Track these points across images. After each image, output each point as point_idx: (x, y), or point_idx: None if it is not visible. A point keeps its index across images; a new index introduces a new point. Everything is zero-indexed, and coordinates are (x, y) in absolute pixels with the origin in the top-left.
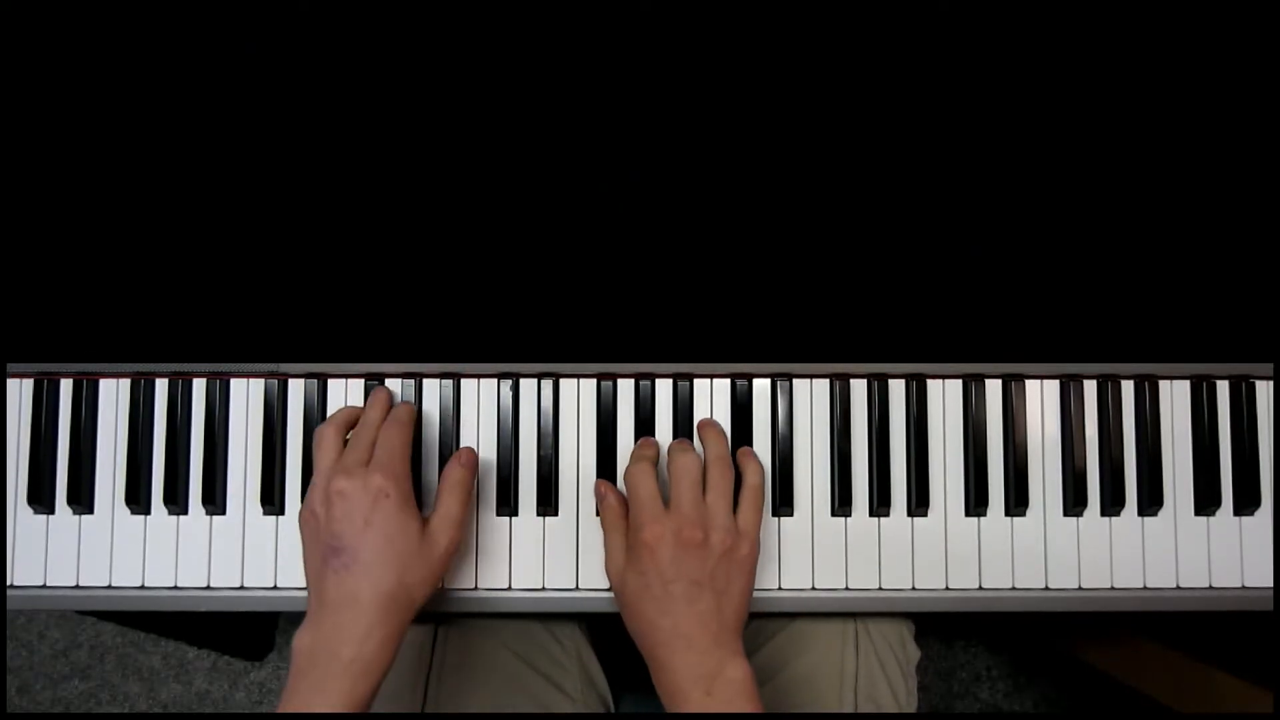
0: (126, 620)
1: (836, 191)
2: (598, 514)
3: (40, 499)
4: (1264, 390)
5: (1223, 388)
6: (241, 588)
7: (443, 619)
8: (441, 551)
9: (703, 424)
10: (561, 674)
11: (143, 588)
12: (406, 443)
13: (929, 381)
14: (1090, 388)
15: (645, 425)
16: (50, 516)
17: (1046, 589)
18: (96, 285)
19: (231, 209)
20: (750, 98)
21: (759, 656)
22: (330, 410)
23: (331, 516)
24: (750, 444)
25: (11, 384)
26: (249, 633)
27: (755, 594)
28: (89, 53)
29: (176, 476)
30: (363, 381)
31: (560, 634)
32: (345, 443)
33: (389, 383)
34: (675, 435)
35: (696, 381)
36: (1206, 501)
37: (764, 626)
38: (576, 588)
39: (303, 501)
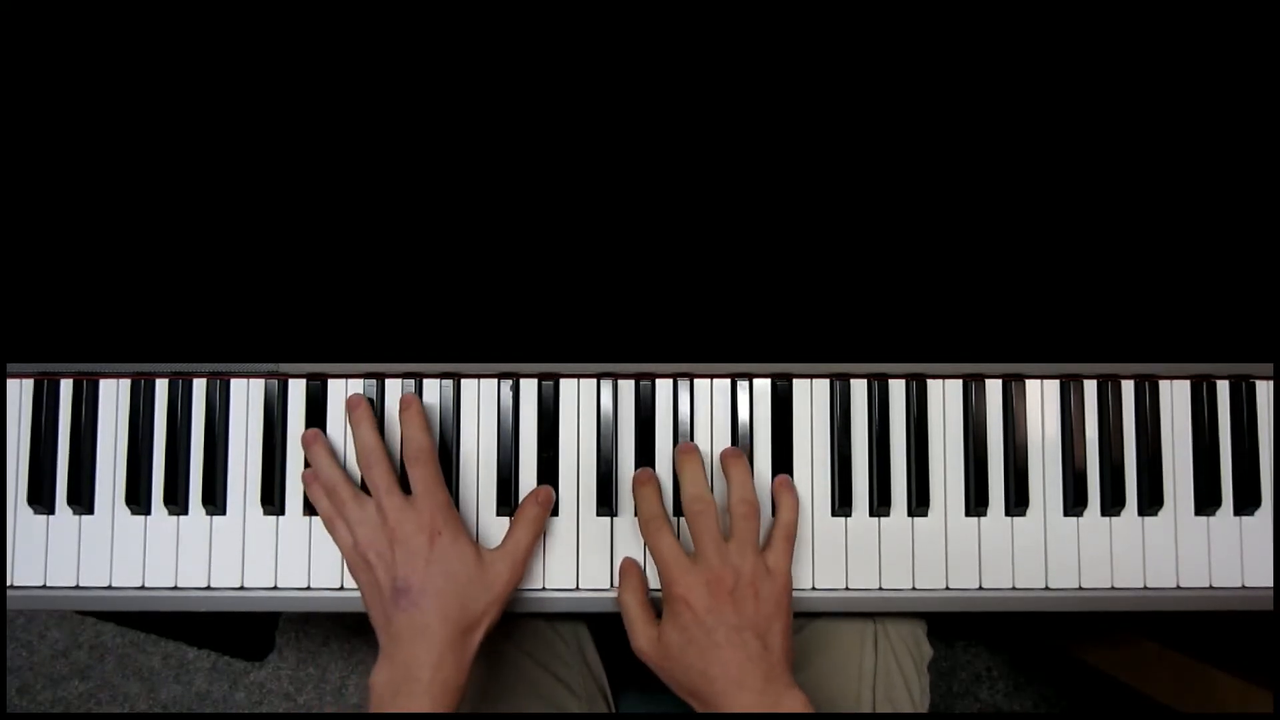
0: (126, 620)
1: (836, 192)
2: (615, 591)
3: (40, 499)
4: (1264, 390)
5: (1223, 388)
6: (241, 588)
7: None
8: (503, 582)
9: (727, 457)
10: (566, 670)
11: (143, 588)
12: (437, 471)
13: (929, 381)
14: (1090, 388)
15: (645, 425)
16: (50, 516)
17: (1046, 589)
18: (96, 285)
19: (232, 209)
20: (751, 98)
21: None
22: (330, 410)
23: (395, 561)
24: (751, 444)
25: (11, 384)
26: (249, 633)
27: None
28: (89, 52)
29: (176, 476)
30: (362, 382)
31: (563, 630)
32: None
33: (389, 383)
34: (675, 437)
35: (696, 381)
36: (1206, 501)
37: None
38: (577, 588)
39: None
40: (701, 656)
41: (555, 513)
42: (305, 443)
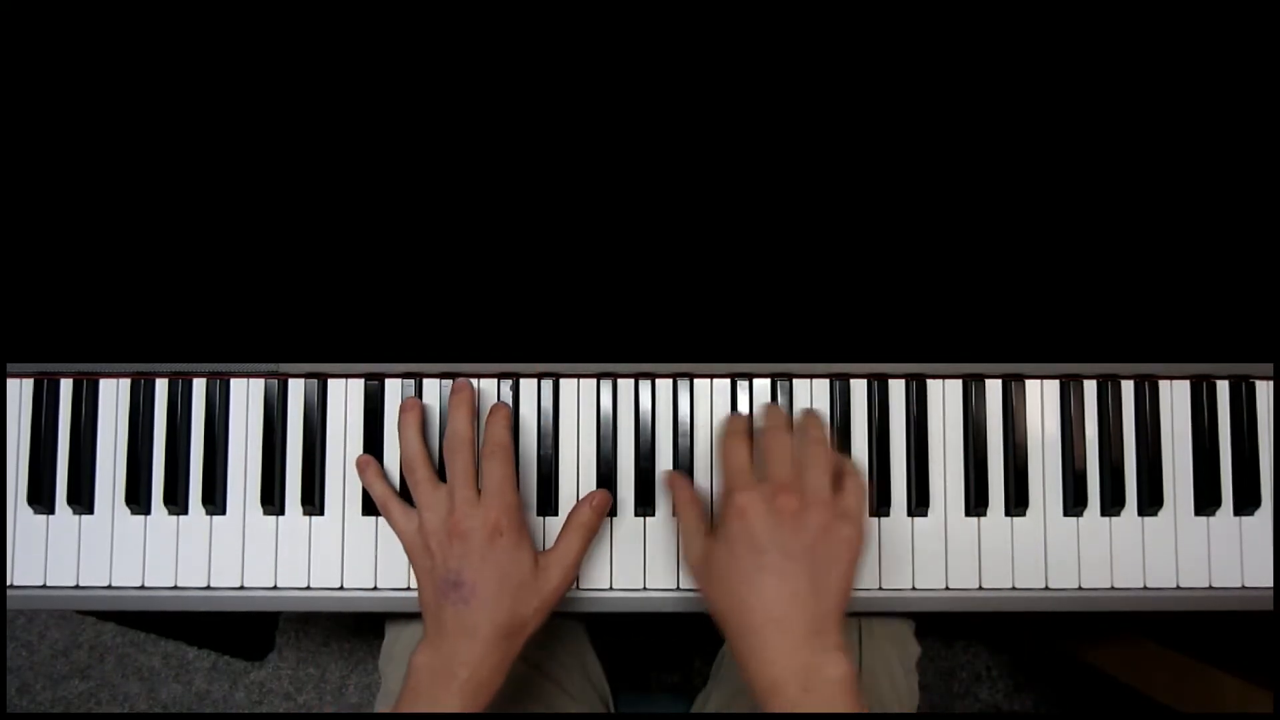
0: (126, 620)
1: (836, 192)
2: (673, 513)
3: (40, 499)
4: (1264, 390)
5: (1223, 388)
6: (241, 588)
7: None
8: (553, 588)
9: (806, 413)
10: (563, 672)
11: (143, 588)
12: (512, 471)
13: (929, 381)
14: (1090, 388)
15: (645, 425)
16: (50, 516)
17: (1046, 589)
18: (96, 285)
19: (232, 209)
20: (750, 98)
21: None
22: (330, 410)
23: (450, 554)
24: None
25: (11, 384)
26: (249, 633)
27: None
28: (89, 52)
29: (176, 476)
30: (362, 381)
31: (561, 633)
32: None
33: (389, 383)
34: (675, 437)
35: (696, 381)
36: (1206, 501)
37: None
38: (576, 588)
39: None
40: (744, 580)
41: (555, 513)
42: (402, 410)
